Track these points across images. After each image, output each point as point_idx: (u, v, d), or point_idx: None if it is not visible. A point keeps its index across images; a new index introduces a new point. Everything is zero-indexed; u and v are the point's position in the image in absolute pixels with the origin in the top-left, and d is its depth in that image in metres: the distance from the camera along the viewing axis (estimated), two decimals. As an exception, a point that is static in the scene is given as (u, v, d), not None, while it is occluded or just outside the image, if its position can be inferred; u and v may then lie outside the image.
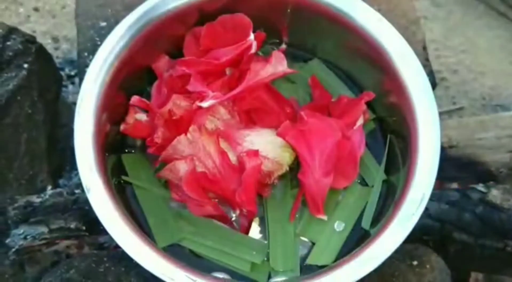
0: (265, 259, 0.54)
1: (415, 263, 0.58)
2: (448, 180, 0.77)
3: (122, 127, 0.55)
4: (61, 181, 0.80)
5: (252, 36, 0.54)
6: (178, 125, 0.53)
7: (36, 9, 1.04)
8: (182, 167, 0.51)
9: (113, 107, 0.53)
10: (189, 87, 0.53)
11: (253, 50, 0.54)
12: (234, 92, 0.53)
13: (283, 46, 0.61)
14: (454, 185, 0.76)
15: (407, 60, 0.54)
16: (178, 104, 0.52)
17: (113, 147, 0.55)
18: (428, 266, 0.58)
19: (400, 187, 0.52)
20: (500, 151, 0.76)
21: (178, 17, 0.54)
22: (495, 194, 0.63)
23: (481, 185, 0.66)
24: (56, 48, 1.01)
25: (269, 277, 0.53)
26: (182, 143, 0.51)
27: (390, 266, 0.57)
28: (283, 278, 0.52)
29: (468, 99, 1.05)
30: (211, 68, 0.54)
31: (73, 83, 0.96)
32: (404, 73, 0.53)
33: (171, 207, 0.55)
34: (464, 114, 1.03)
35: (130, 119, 0.55)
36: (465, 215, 0.63)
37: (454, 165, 0.76)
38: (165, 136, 0.53)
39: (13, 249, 0.59)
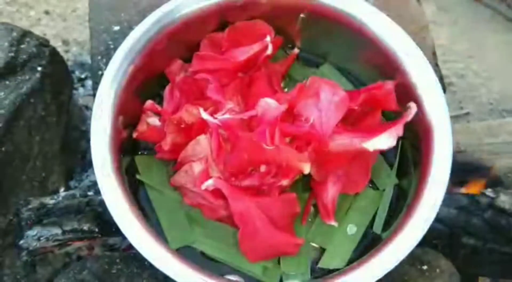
0: (277, 262, 0.54)
1: (425, 267, 0.59)
2: (456, 184, 0.77)
3: (134, 134, 0.56)
4: (72, 183, 0.81)
5: (268, 37, 0.55)
6: (190, 132, 0.53)
7: (46, 12, 1.05)
8: (197, 169, 0.51)
9: (128, 111, 0.54)
10: (208, 93, 0.53)
11: (269, 51, 0.54)
12: (251, 113, 0.53)
13: (296, 50, 0.62)
14: (463, 190, 0.76)
15: (418, 66, 0.54)
16: (190, 111, 0.53)
17: (127, 148, 0.56)
18: (438, 270, 0.59)
19: (412, 191, 0.53)
20: (508, 156, 0.77)
21: (193, 23, 0.55)
22: (504, 199, 0.63)
23: (489, 190, 0.66)
24: (67, 51, 1.01)
25: (281, 279, 0.54)
26: (200, 144, 0.52)
27: (400, 270, 0.58)
28: (295, 281, 0.52)
29: (475, 104, 1.05)
30: (227, 67, 0.54)
31: (83, 86, 0.97)
32: (415, 79, 0.54)
33: (184, 209, 0.55)
34: (471, 119, 1.03)
35: (142, 126, 0.56)
36: (473, 219, 0.63)
37: (462, 170, 0.77)
38: (175, 142, 0.54)
39: (26, 251, 0.59)
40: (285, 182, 0.51)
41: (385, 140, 0.51)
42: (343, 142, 0.52)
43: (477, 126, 0.83)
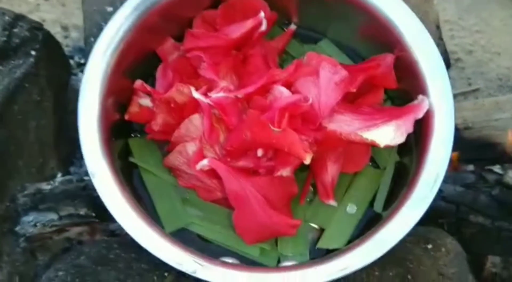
0: (274, 243, 0.53)
1: (429, 246, 0.57)
2: (463, 162, 0.75)
3: (126, 116, 0.55)
4: (72, 169, 0.80)
5: (262, 13, 0.53)
6: (182, 112, 0.52)
7: (45, -3, 1.04)
8: (191, 149, 0.50)
9: (119, 92, 0.53)
10: (201, 72, 0.52)
11: (263, 27, 0.53)
12: (246, 90, 0.52)
13: (292, 26, 0.60)
14: (470, 167, 0.75)
15: (420, 39, 0.52)
16: (181, 91, 0.51)
17: (120, 131, 0.55)
18: (443, 249, 0.57)
19: (413, 168, 0.51)
20: (517, 131, 0.75)
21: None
22: (512, 176, 0.62)
23: (497, 166, 0.65)
24: (66, 37, 1.01)
25: (279, 261, 0.53)
26: (194, 123, 0.50)
27: (404, 249, 0.56)
28: (293, 262, 0.51)
29: (484, 80, 1.03)
30: (220, 45, 0.53)
31: (82, 71, 0.95)
32: (417, 53, 0.52)
33: (179, 191, 0.54)
34: (480, 95, 1.01)
35: (133, 108, 0.55)
36: (481, 197, 0.62)
37: (469, 147, 0.75)
38: (166, 123, 0.53)
39: (23, 237, 0.59)
40: (285, 172, 0.50)
41: (392, 134, 0.49)
42: (345, 129, 0.50)
43: (486, 102, 0.81)
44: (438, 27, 0.69)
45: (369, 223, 0.54)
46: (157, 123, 0.52)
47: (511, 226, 0.61)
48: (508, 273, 0.68)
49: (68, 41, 1.00)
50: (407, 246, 0.57)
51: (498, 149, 0.74)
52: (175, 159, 0.52)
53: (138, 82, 0.54)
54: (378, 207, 0.54)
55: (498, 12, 1.07)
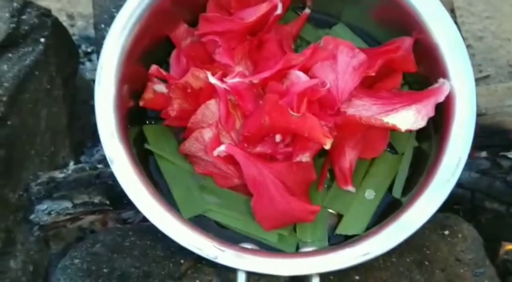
0: (293, 229, 0.53)
1: (446, 232, 0.57)
2: (477, 148, 0.74)
3: (141, 103, 0.54)
4: (82, 158, 0.80)
5: None
6: (198, 97, 0.52)
7: (50, -14, 1.02)
8: (208, 136, 0.49)
9: (133, 78, 0.52)
10: (216, 57, 0.51)
11: (278, 11, 0.52)
12: (262, 75, 0.51)
13: (307, 10, 0.59)
14: (484, 154, 0.74)
15: (439, 20, 0.51)
16: (196, 76, 0.51)
17: (135, 118, 0.54)
18: (460, 235, 0.57)
19: (432, 154, 0.51)
20: (531, 117, 0.74)
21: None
22: (527, 161, 0.61)
23: (511, 152, 0.63)
24: (72, 25, 1.00)
25: (297, 247, 0.52)
26: (210, 109, 0.50)
27: (421, 236, 0.56)
28: (313, 248, 0.50)
29: (494, 66, 1.02)
30: (235, 29, 0.52)
31: (90, 60, 0.95)
32: (436, 33, 0.51)
33: (195, 178, 0.54)
34: (491, 82, 1.00)
35: (148, 94, 0.54)
36: (496, 183, 0.62)
37: (483, 133, 0.74)
38: (182, 108, 0.52)
39: (38, 225, 0.59)
40: (304, 158, 0.49)
41: (413, 118, 0.48)
42: (364, 114, 0.50)
43: (498, 88, 0.80)
44: (452, 10, 0.68)
45: (387, 209, 0.53)
46: (174, 108, 0.51)
47: (526, 212, 0.60)
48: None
49: (75, 30, 0.99)
50: (424, 233, 0.56)
51: (512, 135, 0.73)
52: (191, 145, 0.51)
53: (154, 68, 0.53)
54: (396, 192, 0.54)
55: (507, -3, 1.06)
